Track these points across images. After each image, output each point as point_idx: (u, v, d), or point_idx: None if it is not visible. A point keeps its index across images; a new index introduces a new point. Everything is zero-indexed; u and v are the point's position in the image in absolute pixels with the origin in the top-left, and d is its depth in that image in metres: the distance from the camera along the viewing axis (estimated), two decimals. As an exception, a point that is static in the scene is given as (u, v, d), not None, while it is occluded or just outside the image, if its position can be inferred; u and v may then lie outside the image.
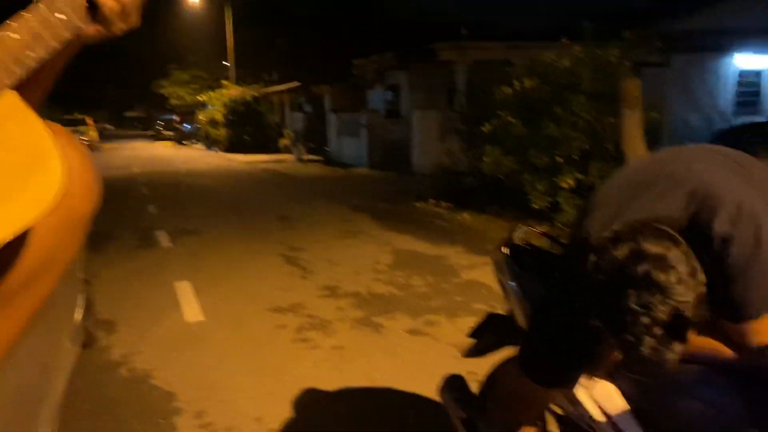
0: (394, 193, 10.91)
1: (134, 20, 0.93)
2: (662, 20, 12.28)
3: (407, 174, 14.00)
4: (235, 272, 5.60)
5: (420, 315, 4.29)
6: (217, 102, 26.71)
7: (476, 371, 2.38)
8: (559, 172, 7.02)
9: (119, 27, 0.92)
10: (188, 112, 35.31)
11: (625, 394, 1.46)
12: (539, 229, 2.19)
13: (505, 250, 2.00)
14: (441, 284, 5.07)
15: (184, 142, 33.10)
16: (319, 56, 27.28)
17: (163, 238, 7.22)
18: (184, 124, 35.45)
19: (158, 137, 38.42)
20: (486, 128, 7.83)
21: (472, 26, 14.22)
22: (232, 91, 26.38)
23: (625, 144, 5.99)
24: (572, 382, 1.45)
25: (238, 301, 4.73)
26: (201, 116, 29.31)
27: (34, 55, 0.84)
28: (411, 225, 7.83)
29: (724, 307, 1.24)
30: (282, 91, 24.56)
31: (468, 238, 6.86)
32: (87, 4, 0.87)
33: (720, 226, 1.18)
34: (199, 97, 30.16)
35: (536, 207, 7.16)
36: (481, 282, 4.96)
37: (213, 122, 26.95)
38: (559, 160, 7.06)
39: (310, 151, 20.15)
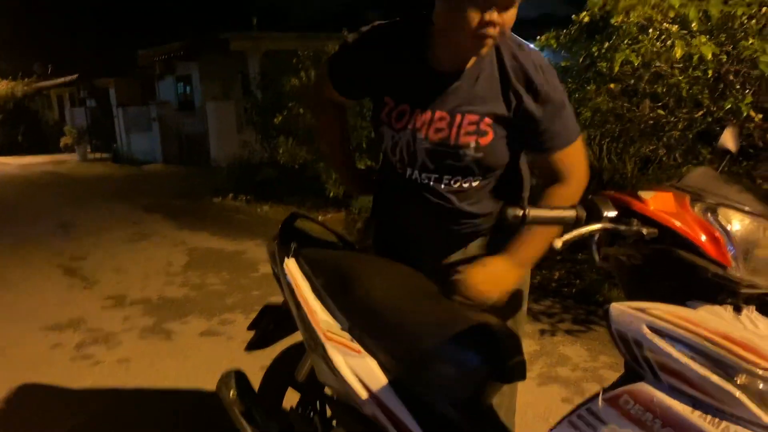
0: (191, 189, 10.46)
1: None
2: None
3: (205, 168, 13.48)
4: (1, 291, 4.97)
5: (215, 315, 4.17)
6: (-21, 100, 23.52)
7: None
8: (350, 160, 7.19)
9: None
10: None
11: (384, 367, 1.53)
12: (313, 217, 2.22)
13: (275, 240, 2.00)
14: (238, 280, 4.97)
15: None
16: (100, 46, 25.11)
17: None
18: None
19: None
20: (277, 119, 7.79)
21: (263, 14, 14.01)
22: (-3, 86, 23.47)
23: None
24: None
25: (5, 322, 4.20)
26: (-38, 116, 25.58)
27: None
28: (208, 222, 7.57)
29: (537, 144, 1.60)
30: (59, 85, 22.29)
31: (267, 231, 6.75)
32: None
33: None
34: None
35: (332, 195, 7.29)
36: (279, 273, 4.93)
37: (-23, 123, 23.69)
38: (350, 148, 7.24)
39: (96, 149, 18.58)
